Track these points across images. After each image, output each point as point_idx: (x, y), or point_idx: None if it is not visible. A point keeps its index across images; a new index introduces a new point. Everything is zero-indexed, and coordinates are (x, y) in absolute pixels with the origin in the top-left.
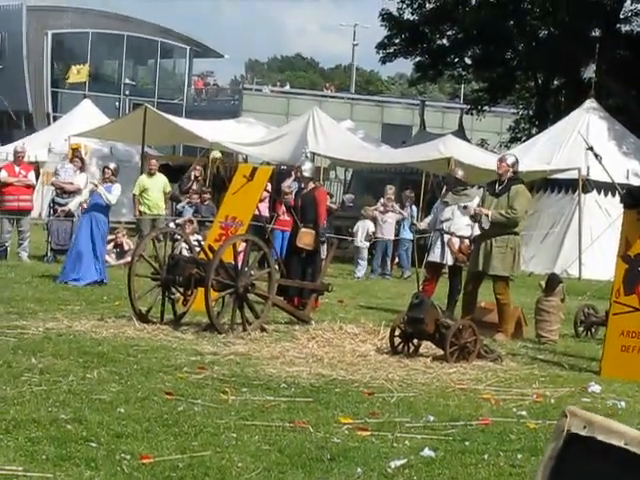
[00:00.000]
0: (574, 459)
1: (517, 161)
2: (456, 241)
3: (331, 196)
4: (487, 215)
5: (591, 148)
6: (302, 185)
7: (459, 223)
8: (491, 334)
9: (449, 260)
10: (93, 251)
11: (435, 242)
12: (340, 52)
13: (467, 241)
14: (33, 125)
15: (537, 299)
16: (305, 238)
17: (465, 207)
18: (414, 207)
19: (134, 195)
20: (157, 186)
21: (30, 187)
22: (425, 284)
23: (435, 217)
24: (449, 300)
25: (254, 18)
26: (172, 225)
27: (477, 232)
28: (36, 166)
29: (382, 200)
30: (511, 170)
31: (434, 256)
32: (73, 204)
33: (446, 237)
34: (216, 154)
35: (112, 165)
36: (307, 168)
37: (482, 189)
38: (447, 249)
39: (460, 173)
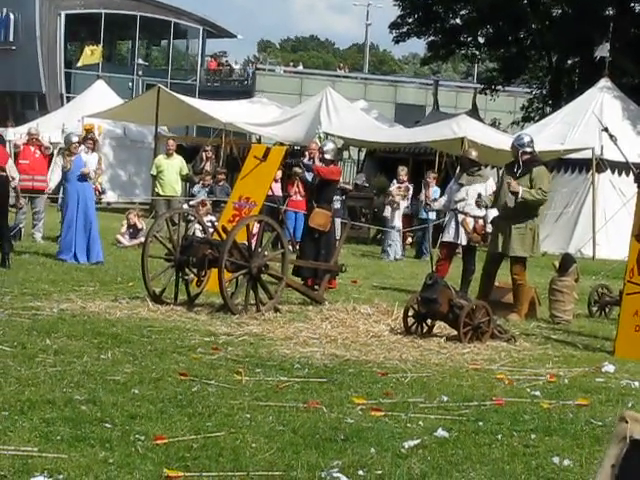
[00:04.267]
0: (638, 466)
1: (532, 140)
2: (470, 221)
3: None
4: (517, 193)
5: (606, 129)
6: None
7: (473, 203)
8: (505, 314)
9: (463, 240)
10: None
11: (449, 222)
12: (353, 32)
13: (481, 221)
14: (47, 106)
15: (551, 279)
16: (318, 218)
17: (478, 202)
18: (437, 188)
19: (152, 175)
20: (173, 167)
21: (45, 166)
22: (439, 264)
23: (449, 198)
24: (463, 280)
25: None
26: (186, 206)
27: (491, 213)
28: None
29: (395, 181)
30: (528, 150)
31: (448, 236)
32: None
33: (460, 217)
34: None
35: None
36: (329, 149)
37: (495, 169)
38: (461, 229)
39: (474, 154)
